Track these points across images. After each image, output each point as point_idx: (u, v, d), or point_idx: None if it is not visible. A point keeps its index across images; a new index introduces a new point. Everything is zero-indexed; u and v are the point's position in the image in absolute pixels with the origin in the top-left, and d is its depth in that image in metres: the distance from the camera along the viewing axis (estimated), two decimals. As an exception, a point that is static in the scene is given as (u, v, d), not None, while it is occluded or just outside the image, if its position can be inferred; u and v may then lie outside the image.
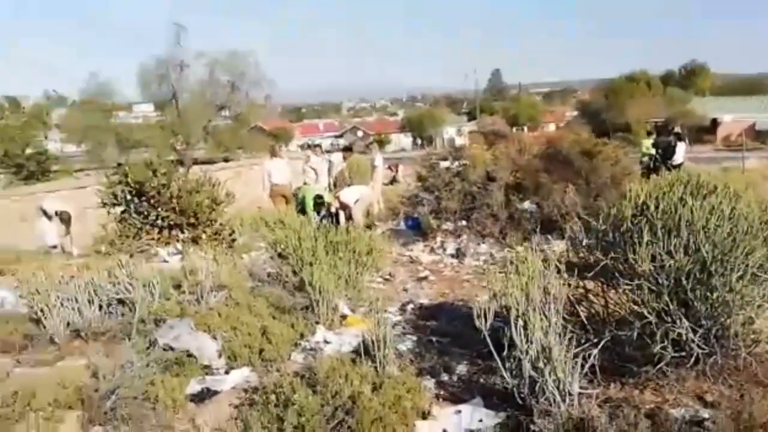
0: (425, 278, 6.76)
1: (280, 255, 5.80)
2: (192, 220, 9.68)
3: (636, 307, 3.31)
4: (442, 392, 3.71)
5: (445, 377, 3.95)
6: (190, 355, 4.22)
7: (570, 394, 2.95)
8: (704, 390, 3.19)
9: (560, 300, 3.08)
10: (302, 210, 10.39)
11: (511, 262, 3.63)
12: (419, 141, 62.67)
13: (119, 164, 10.00)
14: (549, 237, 7.48)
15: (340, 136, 64.71)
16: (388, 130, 67.38)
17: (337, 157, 12.84)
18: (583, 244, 3.85)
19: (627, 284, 3.20)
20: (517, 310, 2.96)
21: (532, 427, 2.89)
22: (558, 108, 79.50)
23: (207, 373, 4.19)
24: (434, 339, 4.67)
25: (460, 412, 3.43)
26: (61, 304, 4.81)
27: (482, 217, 7.76)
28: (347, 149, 11.85)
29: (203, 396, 3.94)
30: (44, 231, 10.83)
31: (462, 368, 4.06)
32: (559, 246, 6.76)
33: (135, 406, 3.64)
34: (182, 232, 9.64)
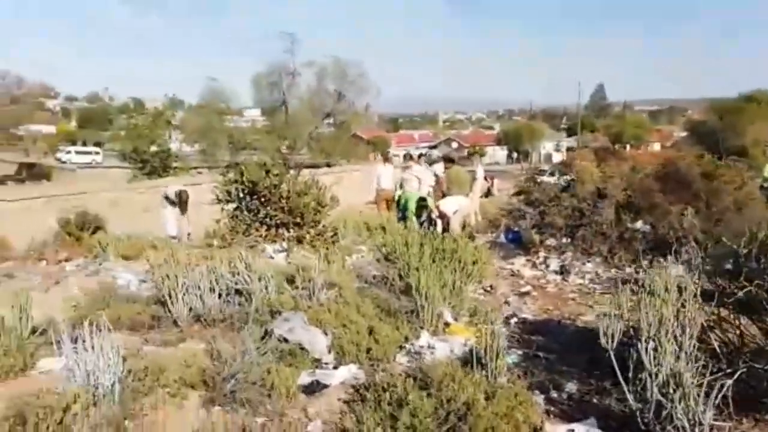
0: (527, 293, 6.64)
1: (386, 258, 5.91)
2: (298, 220, 10.08)
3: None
4: (552, 409, 3.64)
5: (554, 394, 3.86)
6: (302, 348, 4.40)
7: (700, 424, 2.79)
8: None
9: (696, 325, 2.92)
10: (403, 216, 10.53)
11: (635, 282, 3.48)
12: (515, 155, 61.52)
13: (236, 163, 10.58)
14: (661, 260, 7.09)
15: (435, 146, 64.83)
16: (483, 142, 66.68)
17: (439, 167, 12.93)
18: (711, 269, 3.64)
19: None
20: (648, 331, 2.84)
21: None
22: (665, 127, 75.40)
23: (317, 367, 4.35)
24: (541, 355, 4.58)
25: (572, 431, 3.34)
26: (186, 290, 5.16)
27: (589, 234, 7.50)
28: (449, 160, 11.88)
29: (313, 388, 4.08)
30: (167, 219, 11.67)
31: (572, 386, 3.95)
32: (675, 270, 6.40)
33: (253, 392, 3.84)
34: (288, 231, 10.06)
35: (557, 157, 60.36)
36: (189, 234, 11.55)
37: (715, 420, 2.86)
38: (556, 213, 7.86)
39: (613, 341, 3.07)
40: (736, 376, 2.92)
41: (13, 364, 4.32)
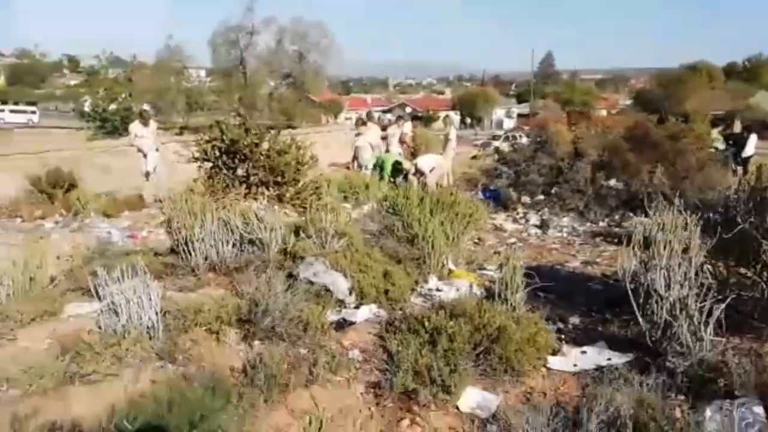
0: (513, 244, 7.12)
1: (390, 211, 6.23)
2: (279, 179, 10.23)
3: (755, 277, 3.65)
4: (563, 336, 4.11)
5: (561, 326, 4.34)
6: (326, 290, 4.71)
7: (701, 340, 3.30)
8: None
9: (699, 256, 3.41)
10: (381, 178, 10.82)
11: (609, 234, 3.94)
12: (468, 120, 62.31)
13: (217, 122, 10.55)
14: (632, 214, 7.73)
15: (388, 110, 64.78)
16: (436, 107, 67.13)
17: (408, 126, 13.27)
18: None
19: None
20: (660, 262, 3.30)
21: (667, 364, 3.26)
22: (610, 95, 77.74)
23: (341, 307, 4.68)
24: (541, 295, 5.05)
25: (585, 352, 3.82)
26: (202, 240, 5.35)
27: (566, 191, 8.04)
28: (416, 118, 12.23)
29: (342, 325, 4.43)
30: (142, 160, 11.60)
31: (575, 319, 4.45)
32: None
33: (290, 327, 4.14)
34: (268, 189, 10.21)
35: (508, 123, 61.43)
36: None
37: (712, 337, 3.38)
38: (535, 171, 8.34)
39: (628, 275, 3.52)
40: (728, 301, 3.43)
41: (46, 309, 4.45)
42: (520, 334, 3.61)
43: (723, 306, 3.37)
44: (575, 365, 3.68)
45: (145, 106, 20.06)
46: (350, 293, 4.80)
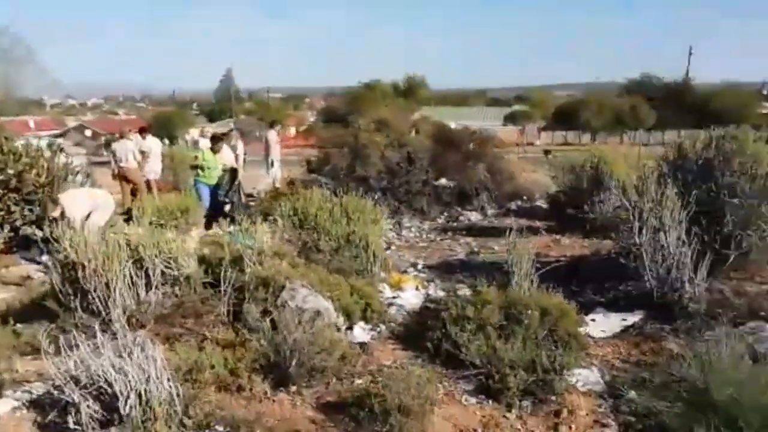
0: (390, 247, 7.26)
1: (300, 225, 5.72)
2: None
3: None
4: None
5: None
6: (318, 314, 4.16)
7: (696, 284, 4.08)
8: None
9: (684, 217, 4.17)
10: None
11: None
12: (166, 141, 58.51)
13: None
14: (463, 209, 8.67)
15: (62, 135, 56.71)
16: (118, 129, 61.31)
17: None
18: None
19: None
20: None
21: (687, 309, 3.94)
22: (294, 112, 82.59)
23: (337, 330, 4.19)
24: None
25: (600, 314, 4.32)
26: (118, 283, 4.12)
27: (405, 194, 8.50)
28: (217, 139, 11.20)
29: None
30: None
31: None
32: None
33: (323, 361, 3.56)
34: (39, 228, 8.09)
35: (204, 143, 59.88)
36: None
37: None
38: (368, 178, 8.56)
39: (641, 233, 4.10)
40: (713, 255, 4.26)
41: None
42: (558, 312, 3.86)
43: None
44: (603, 330, 4.11)
45: None
46: (338, 316, 4.33)
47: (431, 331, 3.93)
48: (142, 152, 11.62)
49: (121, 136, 11.77)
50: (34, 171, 8.02)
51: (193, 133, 63.67)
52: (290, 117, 69.67)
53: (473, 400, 3.27)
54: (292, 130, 66.81)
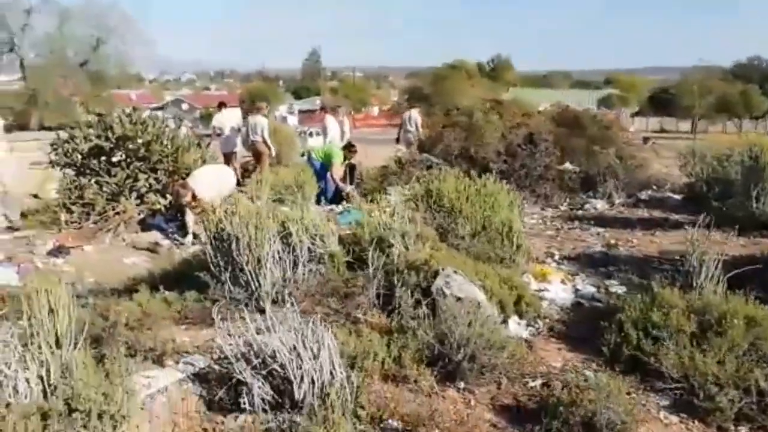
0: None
1: (435, 207, 5.46)
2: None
3: None
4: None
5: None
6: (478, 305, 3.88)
7: None
8: None
9: None
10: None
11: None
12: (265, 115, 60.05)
13: (99, 115, 8.32)
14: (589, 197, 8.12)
15: (161, 108, 59.56)
16: (213, 104, 63.63)
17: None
18: None
19: None
20: None
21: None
22: (377, 92, 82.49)
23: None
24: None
25: None
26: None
27: (526, 179, 8.06)
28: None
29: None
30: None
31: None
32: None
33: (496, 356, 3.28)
34: (164, 197, 8.28)
35: (292, 120, 61.28)
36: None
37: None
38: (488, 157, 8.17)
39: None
40: None
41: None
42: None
43: None
44: None
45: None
46: (492, 307, 4.03)
47: (604, 333, 3.55)
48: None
49: (220, 106, 12.28)
50: (159, 141, 8.24)
51: (282, 109, 65.50)
52: (373, 96, 69.94)
53: (674, 418, 2.88)
54: (375, 110, 67.10)
